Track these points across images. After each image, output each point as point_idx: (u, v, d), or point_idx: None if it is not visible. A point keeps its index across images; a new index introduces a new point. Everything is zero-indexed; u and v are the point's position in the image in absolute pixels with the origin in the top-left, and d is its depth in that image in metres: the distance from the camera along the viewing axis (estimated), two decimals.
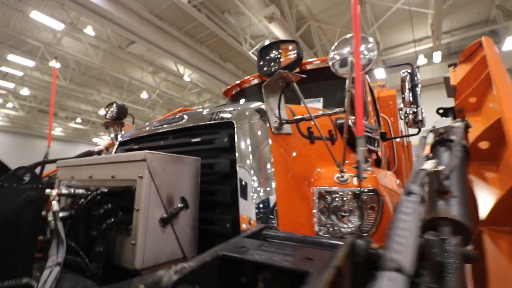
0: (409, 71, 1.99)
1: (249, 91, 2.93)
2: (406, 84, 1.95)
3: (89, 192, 1.06)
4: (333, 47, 1.31)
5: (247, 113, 1.30)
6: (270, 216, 1.11)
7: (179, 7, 8.35)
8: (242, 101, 2.99)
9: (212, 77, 11.73)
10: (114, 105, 2.23)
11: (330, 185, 1.18)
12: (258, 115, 1.29)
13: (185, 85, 15.63)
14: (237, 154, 1.22)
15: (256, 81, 2.83)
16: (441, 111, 1.57)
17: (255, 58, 10.98)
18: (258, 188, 1.15)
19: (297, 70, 2.54)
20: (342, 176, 1.17)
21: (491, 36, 10.78)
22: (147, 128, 1.70)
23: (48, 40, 11.10)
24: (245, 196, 1.15)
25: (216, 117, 1.35)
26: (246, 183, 1.17)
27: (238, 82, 2.93)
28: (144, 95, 16.37)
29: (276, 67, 1.26)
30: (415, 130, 1.97)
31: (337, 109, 1.24)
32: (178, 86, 16.17)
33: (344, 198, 1.13)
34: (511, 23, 9.25)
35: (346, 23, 9.89)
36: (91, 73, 13.95)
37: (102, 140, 26.85)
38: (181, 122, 1.47)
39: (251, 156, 1.20)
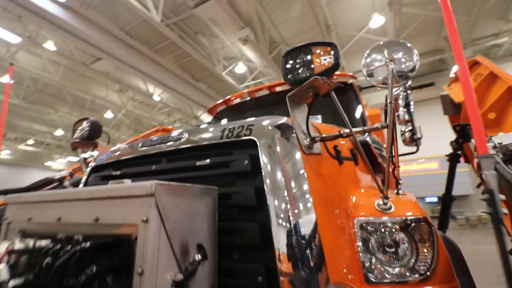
0: (402, 89, 2.03)
1: (236, 109, 2.80)
2: (400, 102, 1.96)
3: (59, 246, 0.75)
4: (366, 55, 1.19)
5: (271, 129, 1.07)
6: (319, 261, 0.87)
7: (150, 25, 8.18)
8: (224, 121, 2.84)
9: (183, 97, 11.48)
10: (86, 121, 1.90)
11: (372, 214, 0.98)
12: (286, 132, 1.08)
13: (154, 104, 15.09)
14: (266, 181, 0.97)
15: (243, 98, 2.73)
16: (458, 127, 1.57)
17: (229, 79, 11.07)
18: (299, 225, 0.91)
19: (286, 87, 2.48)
20: (385, 204, 0.99)
21: (439, 64, 12.09)
22: (130, 149, 1.42)
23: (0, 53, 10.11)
24: (282, 237, 0.89)
25: (230, 134, 1.11)
26: (282, 219, 0.91)
27: (224, 99, 2.79)
28: (108, 114, 15.44)
29: (307, 74, 1.09)
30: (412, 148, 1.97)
31: (377, 124, 1.07)
32: (147, 105, 15.56)
33: (392, 231, 0.94)
34: None
35: None
36: (48, 90, 12.88)
37: (57, 164, 24.48)
38: (180, 140, 1.21)
39: (285, 183, 0.97)
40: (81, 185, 1.51)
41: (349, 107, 2.20)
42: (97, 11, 7.96)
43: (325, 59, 1.10)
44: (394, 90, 2.12)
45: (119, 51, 8.24)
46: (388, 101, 1.07)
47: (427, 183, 13.85)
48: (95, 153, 1.91)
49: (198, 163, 1.12)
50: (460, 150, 1.74)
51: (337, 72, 2.29)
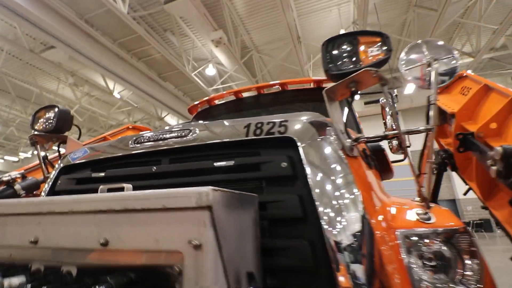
0: (389, 99, 2.08)
1: (219, 109, 2.62)
2: (386, 110, 2.01)
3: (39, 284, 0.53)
4: (403, 54, 1.11)
5: (310, 127, 0.93)
6: (382, 281, 0.75)
7: (115, 16, 7.59)
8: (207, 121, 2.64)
9: (148, 96, 10.83)
10: (52, 110, 1.55)
11: (414, 226, 0.87)
12: (326, 131, 0.94)
13: (114, 102, 14.02)
14: (314, 188, 0.81)
15: (228, 98, 2.57)
16: (460, 136, 1.62)
17: (198, 80, 10.76)
18: (358, 240, 0.77)
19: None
20: (425, 213, 0.88)
21: (394, 82, 13.25)
22: (117, 144, 1.16)
23: None
24: (342, 256, 0.74)
25: (258, 131, 0.94)
26: (338, 233, 0.76)
27: (207, 98, 2.60)
28: None
29: (352, 66, 0.95)
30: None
31: (421, 127, 0.97)
32: (104, 102, 14.39)
33: (436, 242, 0.84)
34: None
35: (284, 58, 10.73)
36: None
37: None
38: (187, 137, 1.01)
39: (335, 190, 0.82)
40: (44, 189, 1.19)
41: (345, 112, 2.18)
42: None
43: (373, 51, 0.98)
44: (381, 99, 2.20)
45: (77, 40, 7.47)
46: (431, 101, 0.99)
47: (412, 188, 14.86)
48: (62, 150, 1.59)
49: (216, 164, 0.92)
50: (447, 159, 1.83)
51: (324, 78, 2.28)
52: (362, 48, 1.00)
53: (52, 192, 1.17)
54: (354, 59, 1.00)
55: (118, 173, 1.07)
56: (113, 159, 1.14)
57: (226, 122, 1.06)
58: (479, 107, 1.68)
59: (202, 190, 0.55)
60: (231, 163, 0.93)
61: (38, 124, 1.57)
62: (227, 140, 0.98)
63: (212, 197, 0.54)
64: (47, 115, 1.56)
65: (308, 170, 0.85)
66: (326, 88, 0.98)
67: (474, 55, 10.43)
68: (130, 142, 1.12)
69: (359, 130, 2.10)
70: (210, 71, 10.82)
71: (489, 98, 1.64)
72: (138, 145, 1.10)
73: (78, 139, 1.75)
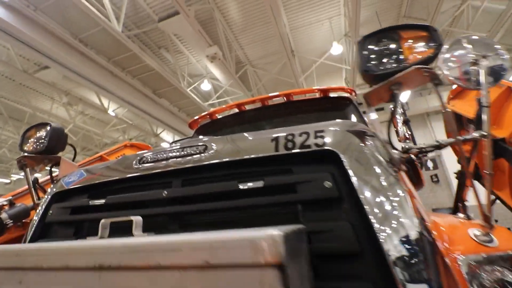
0: (399, 106, 2.01)
1: (221, 123, 2.50)
2: (398, 119, 1.93)
3: None
4: (445, 49, 0.96)
5: (354, 138, 0.79)
6: None
7: (109, 35, 7.61)
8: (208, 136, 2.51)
9: (143, 113, 10.74)
10: (44, 129, 1.42)
11: (475, 249, 0.74)
12: (371, 142, 0.80)
13: (108, 120, 13.89)
14: (371, 215, 0.66)
15: (231, 112, 2.47)
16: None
17: (194, 96, 10.74)
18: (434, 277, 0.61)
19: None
20: (485, 235, 0.76)
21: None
22: (120, 165, 1.01)
23: None
24: None
25: (290, 144, 0.80)
26: (412, 271, 0.60)
27: (208, 112, 2.50)
28: None
29: (394, 65, 0.83)
30: None
31: (475, 133, 0.86)
32: (98, 121, 14.24)
33: (504, 269, 0.70)
34: None
35: (279, 71, 10.82)
36: None
37: None
38: (205, 154, 0.87)
39: (394, 215, 0.67)
40: (32, 220, 1.03)
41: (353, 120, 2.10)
42: (47, 15, 7.20)
43: (420, 47, 0.87)
44: (390, 106, 2.13)
45: (71, 59, 7.43)
46: (483, 103, 0.86)
47: None
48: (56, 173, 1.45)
49: (242, 186, 0.77)
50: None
51: (334, 86, 2.20)
52: (406, 44, 0.88)
53: (42, 223, 1.02)
54: (397, 57, 0.88)
55: (121, 200, 0.92)
56: (114, 183, 0.99)
57: (247, 135, 0.92)
58: (504, 111, 1.60)
59: (267, 235, 0.37)
60: (260, 184, 0.77)
61: (28, 144, 1.43)
62: (253, 156, 0.83)
63: (283, 248, 0.35)
64: (38, 134, 1.43)
65: (359, 190, 0.70)
66: (365, 93, 0.88)
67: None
68: (134, 162, 0.98)
69: None
70: (205, 86, 10.83)
71: None
72: (144, 165, 0.95)
73: (73, 160, 1.62)
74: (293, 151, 0.79)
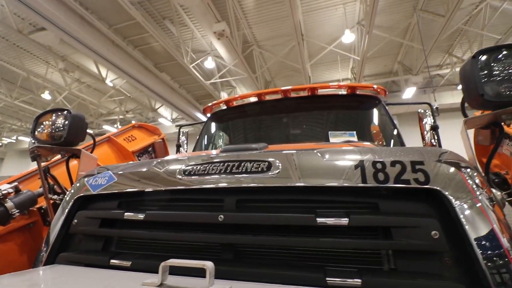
0: (428, 111, 1.90)
1: (241, 112, 2.31)
2: (425, 124, 1.82)
3: None
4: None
5: (458, 174, 0.65)
6: None
7: (112, 0, 7.17)
8: (221, 125, 2.32)
9: (142, 86, 10.40)
10: (62, 115, 1.22)
11: None
12: (477, 178, 0.66)
13: (105, 90, 13.48)
14: (489, 276, 0.54)
15: (248, 100, 2.29)
16: None
17: (196, 72, 10.40)
18: None
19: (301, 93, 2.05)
20: None
21: (392, 86, 13.30)
22: (158, 170, 0.85)
23: None
24: None
25: (382, 176, 0.65)
26: None
27: (225, 99, 2.30)
28: (46, 95, 13.28)
29: None
30: None
31: None
32: (95, 90, 13.82)
33: None
34: (408, 76, 11.56)
35: (285, 55, 10.47)
36: None
37: None
38: (266, 174, 0.72)
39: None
40: (56, 229, 0.87)
41: (381, 124, 1.97)
42: None
43: None
44: (419, 110, 2.00)
45: (69, 23, 7.01)
46: None
47: None
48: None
49: (321, 222, 0.63)
50: (500, 185, 1.64)
51: (361, 84, 2.03)
52: None
53: (65, 234, 0.87)
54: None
55: (163, 219, 0.78)
56: (153, 194, 0.84)
57: (320, 155, 0.75)
58: None
59: None
60: (344, 221, 0.63)
61: (43, 132, 1.24)
62: (331, 185, 0.68)
63: None
64: (55, 122, 1.23)
65: (473, 245, 0.57)
66: (468, 119, 0.72)
67: None
68: (177, 171, 0.82)
69: (402, 140, 1.90)
70: (209, 64, 10.47)
71: None
72: (191, 177, 0.79)
73: (92, 151, 1.46)
74: (387, 185, 0.65)
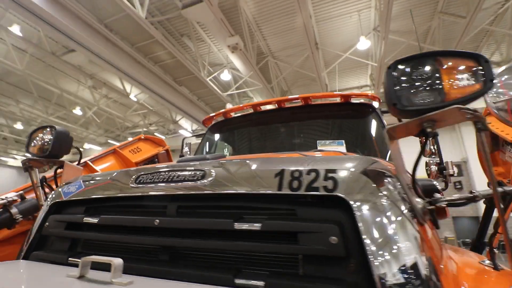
0: None
1: (238, 123, 2.40)
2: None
3: None
4: (496, 75, 0.82)
5: (368, 181, 0.67)
6: None
7: (133, 21, 7.67)
8: (217, 136, 2.43)
9: (163, 100, 10.90)
10: (48, 131, 1.39)
11: None
12: (391, 186, 0.68)
13: (130, 104, 14.25)
14: (378, 282, 0.55)
15: (245, 111, 2.36)
16: None
17: (213, 85, 10.73)
18: None
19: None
20: None
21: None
22: (116, 180, 0.96)
23: None
24: None
25: (296, 183, 0.69)
26: None
27: (223, 110, 2.40)
28: (77, 111, 14.30)
29: (431, 99, 0.68)
30: None
31: None
32: (121, 105, 14.65)
33: None
34: None
35: (300, 64, 10.51)
36: (10, 79, 11.65)
37: (14, 161, 22.16)
38: (201, 181, 0.79)
39: (411, 282, 0.55)
40: (33, 231, 1.00)
41: (374, 133, 1.94)
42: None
43: (463, 79, 0.69)
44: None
45: (96, 44, 7.60)
46: None
47: None
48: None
49: (237, 226, 0.69)
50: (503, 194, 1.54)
51: (355, 92, 2.04)
52: (446, 75, 0.71)
53: (39, 236, 1.00)
54: (435, 90, 0.71)
55: (113, 222, 0.87)
56: (110, 200, 0.94)
57: (252, 163, 0.81)
58: None
59: None
60: (257, 227, 0.68)
61: (34, 146, 1.41)
62: (251, 192, 0.73)
63: None
64: (43, 137, 1.40)
65: (368, 250, 0.58)
66: (390, 127, 0.71)
67: (504, 65, 9.83)
68: (131, 180, 0.92)
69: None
70: (225, 76, 10.76)
71: None
72: (141, 185, 0.88)
73: (78, 163, 1.61)
74: (298, 192, 0.69)
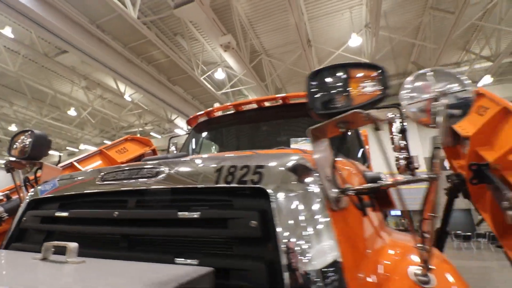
0: (398, 114, 1.94)
1: (219, 122, 2.52)
2: (394, 127, 1.86)
3: None
4: (407, 83, 0.92)
5: (288, 174, 0.79)
6: None
7: (125, 21, 7.67)
8: (199, 135, 2.54)
9: (157, 99, 10.91)
10: (28, 134, 1.48)
11: None
12: (308, 179, 0.80)
13: (125, 104, 14.24)
14: (284, 256, 0.67)
15: (227, 111, 2.46)
16: (474, 167, 1.46)
17: (207, 84, 10.76)
18: None
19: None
20: (424, 275, 0.75)
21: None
22: (85, 179, 1.08)
23: None
24: None
25: (230, 177, 0.81)
26: None
27: (206, 110, 2.50)
28: (72, 112, 14.26)
29: (341, 104, 0.80)
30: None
31: (424, 176, 0.81)
32: (116, 105, 14.63)
33: None
34: None
35: (294, 62, 10.58)
36: (3, 81, 11.58)
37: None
38: (157, 177, 0.90)
39: (312, 258, 0.67)
40: (13, 225, 1.12)
41: (350, 135, 2.05)
42: (66, 0, 7.32)
43: (368, 87, 0.81)
44: (388, 114, 2.05)
45: (88, 45, 7.59)
46: (435, 144, 0.83)
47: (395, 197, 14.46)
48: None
49: (181, 215, 0.81)
50: (459, 185, 1.65)
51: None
52: (353, 83, 0.84)
53: (18, 229, 1.11)
54: (344, 96, 0.84)
55: (81, 215, 0.99)
56: (79, 196, 1.06)
57: (199, 161, 0.94)
58: (497, 132, 1.51)
59: None
60: (195, 215, 0.80)
61: (15, 149, 1.50)
62: (192, 186, 0.86)
63: None
64: (23, 140, 1.49)
65: (279, 231, 0.71)
66: (311, 128, 0.83)
67: (494, 59, 9.98)
68: (97, 178, 1.03)
69: (363, 151, 1.96)
70: (219, 75, 10.79)
71: (509, 123, 1.47)
72: (105, 183, 1.00)
73: (58, 164, 1.70)
74: (231, 185, 0.80)
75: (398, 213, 17.32)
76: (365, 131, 3.09)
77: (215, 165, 0.87)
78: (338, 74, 0.87)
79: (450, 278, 0.80)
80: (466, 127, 1.68)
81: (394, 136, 1.85)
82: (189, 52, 9.47)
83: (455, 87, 0.87)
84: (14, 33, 8.42)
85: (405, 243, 0.85)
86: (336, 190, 0.82)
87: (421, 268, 0.78)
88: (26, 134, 1.49)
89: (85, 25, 7.37)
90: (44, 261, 0.72)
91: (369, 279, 0.79)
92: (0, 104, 13.49)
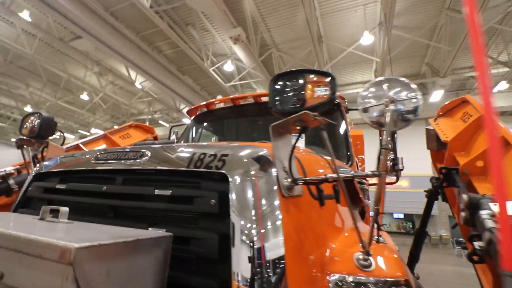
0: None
1: (217, 114, 2.64)
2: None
3: None
4: (364, 89, 1.03)
5: (247, 162, 0.91)
6: None
7: (139, 10, 7.79)
8: (198, 126, 2.67)
9: (167, 88, 11.08)
10: (37, 116, 1.63)
11: (350, 271, 0.84)
12: (265, 167, 0.91)
13: (135, 92, 14.49)
14: (234, 230, 0.81)
15: (226, 104, 2.56)
16: (443, 170, 1.51)
17: (216, 75, 10.84)
18: (267, 283, 0.75)
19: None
20: (365, 260, 0.85)
21: (420, 89, 12.69)
22: (82, 158, 1.23)
23: None
24: None
25: (199, 163, 0.94)
26: (250, 279, 0.74)
27: (205, 102, 2.62)
28: (84, 96, 14.62)
29: (297, 105, 0.92)
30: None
31: (368, 172, 0.95)
32: (127, 92, 14.91)
33: None
34: (437, 79, 10.93)
35: (304, 57, 10.51)
36: (20, 63, 11.96)
37: None
38: (141, 159, 1.04)
39: (256, 234, 0.80)
40: (20, 193, 1.29)
41: (334, 129, 2.13)
42: None
43: (320, 91, 0.92)
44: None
45: (102, 31, 7.76)
46: (383, 146, 0.94)
47: (396, 199, 14.37)
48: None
49: (157, 192, 0.95)
50: (439, 188, 1.69)
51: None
52: (309, 87, 0.95)
53: (25, 197, 1.27)
54: (299, 98, 0.96)
55: (76, 188, 1.14)
56: (76, 172, 1.21)
57: (178, 148, 1.06)
58: (474, 139, 1.54)
59: (67, 246, 0.55)
60: (168, 192, 0.94)
61: (25, 128, 1.66)
62: (164, 168, 1.00)
63: (74, 256, 0.54)
64: (32, 121, 1.64)
65: (232, 209, 0.84)
66: (273, 124, 0.92)
67: (511, 65, 9.66)
68: (92, 157, 1.18)
69: (348, 150, 2.01)
70: (229, 67, 10.84)
71: (483, 131, 1.50)
72: (98, 162, 1.15)
73: (62, 144, 1.84)
74: (199, 169, 0.94)
75: (401, 216, 17.23)
76: (361, 131, 3.12)
77: (189, 152, 1.00)
78: (297, 79, 0.99)
79: (391, 265, 0.89)
80: (448, 132, 1.71)
81: (383, 138, 1.89)
82: (199, 43, 9.55)
83: (407, 94, 0.94)
84: (32, 17, 8.67)
85: (362, 233, 0.93)
86: (290, 180, 0.92)
87: (362, 253, 0.87)
88: (35, 115, 1.65)
89: (100, 12, 7.52)
90: (41, 220, 0.87)
91: (311, 257, 0.89)
92: (17, 85, 13.95)
